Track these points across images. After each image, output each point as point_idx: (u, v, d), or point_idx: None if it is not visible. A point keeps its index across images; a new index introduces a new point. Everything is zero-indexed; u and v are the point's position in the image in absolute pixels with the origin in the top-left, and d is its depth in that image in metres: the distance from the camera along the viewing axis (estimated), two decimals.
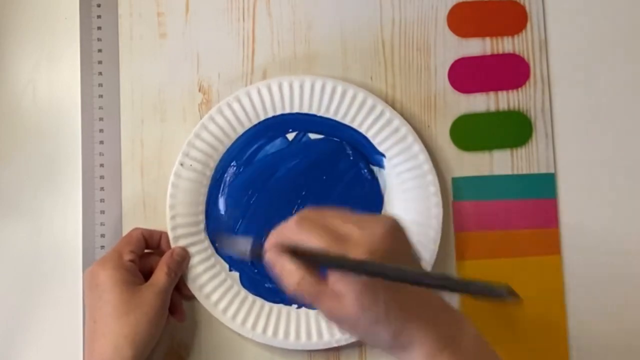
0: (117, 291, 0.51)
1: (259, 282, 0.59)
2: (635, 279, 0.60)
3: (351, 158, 0.59)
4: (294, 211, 0.59)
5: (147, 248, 0.57)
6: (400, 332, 0.42)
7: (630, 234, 0.60)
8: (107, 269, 0.52)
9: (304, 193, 0.59)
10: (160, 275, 0.54)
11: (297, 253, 0.43)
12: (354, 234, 0.42)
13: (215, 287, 0.57)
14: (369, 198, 0.59)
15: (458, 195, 0.60)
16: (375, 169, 0.59)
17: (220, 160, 0.59)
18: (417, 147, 0.58)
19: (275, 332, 0.57)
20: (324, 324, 0.57)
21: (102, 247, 0.59)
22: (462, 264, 0.59)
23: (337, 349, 0.58)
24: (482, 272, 0.59)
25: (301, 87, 0.58)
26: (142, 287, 0.53)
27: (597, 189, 0.61)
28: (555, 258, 0.60)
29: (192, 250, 0.57)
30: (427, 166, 0.58)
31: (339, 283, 0.42)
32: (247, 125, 0.59)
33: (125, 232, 0.59)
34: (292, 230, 0.44)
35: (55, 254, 0.60)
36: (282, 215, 0.58)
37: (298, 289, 0.43)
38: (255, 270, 0.59)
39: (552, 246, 0.60)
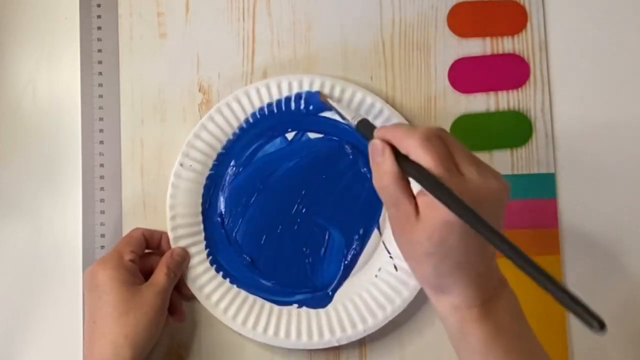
0: (116, 291, 0.51)
1: (259, 282, 0.59)
2: (635, 278, 0.60)
3: (351, 157, 0.59)
4: (294, 211, 0.59)
5: (147, 248, 0.57)
6: (444, 276, 0.43)
7: (630, 234, 0.60)
8: (107, 269, 0.52)
9: (303, 192, 0.59)
10: (160, 276, 0.54)
11: (405, 159, 0.43)
12: (471, 176, 0.42)
13: (216, 287, 0.57)
14: (369, 197, 0.59)
15: None
16: None
17: (220, 161, 0.59)
18: None
19: (276, 332, 0.57)
20: (325, 323, 0.57)
21: (102, 247, 0.59)
22: None
23: (337, 349, 0.58)
24: None
25: (300, 86, 0.58)
26: (142, 287, 0.53)
27: (597, 189, 0.61)
28: (555, 258, 0.60)
29: (192, 250, 0.57)
30: None
31: (425, 206, 0.42)
32: (246, 125, 0.59)
33: (125, 232, 0.59)
34: (416, 141, 0.43)
35: (55, 254, 0.60)
36: (282, 214, 0.58)
37: (385, 188, 0.44)
38: (256, 272, 0.59)
39: (552, 246, 0.60)
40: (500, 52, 0.61)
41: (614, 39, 0.62)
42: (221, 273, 0.58)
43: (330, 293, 0.58)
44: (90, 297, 0.53)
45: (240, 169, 0.59)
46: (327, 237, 0.59)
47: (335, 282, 0.58)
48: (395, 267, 0.57)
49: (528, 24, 0.61)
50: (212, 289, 0.57)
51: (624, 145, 0.61)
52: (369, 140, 0.47)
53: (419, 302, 0.58)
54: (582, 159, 0.61)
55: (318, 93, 0.58)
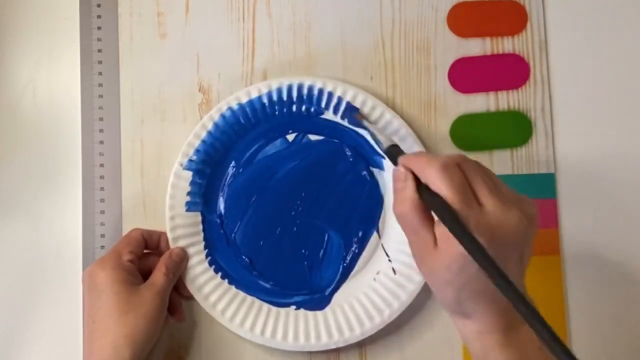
0: (115, 291, 0.52)
1: (257, 283, 0.59)
2: (635, 279, 0.60)
3: (351, 160, 0.59)
4: (293, 212, 0.59)
5: (146, 248, 0.57)
6: (465, 302, 0.43)
7: (630, 235, 0.60)
8: (106, 269, 0.52)
9: (303, 194, 0.59)
10: (158, 276, 0.54)
11: (426, 188, 0.43)
12: (490, 208, 0.41)
13: (214, 288, 0.57)
14: (369, 200, 0.59)
15: None
16: (375, 170, 0.59)
17: (220, 161, 0.59)
18: (417, 149, 0.58)
19: (273, 334, 0.57)
20: (322, 326, 0.57)
21: (102, 247, 0.59)
22: None
23: (337, 350, 0.58)
24: None
25: (301, 88, 0.58)
26: (140, 287, 0.53)
27: (597, 188, 0.61)
28: (555, 258, 0.60)
29: (191, 251, 0.57)
30: None
31: (442, 236, 0.42)
32: (247, 126, 0.59)
33: (125, 232, 0.59)
34: (435, 171, 0.42)
35: (55, 254, 0.60)
36: (282, 216, 0.58)
37: (404, 215, 0.43)
38: (254, 273, 0.59)
39: (552, 246, 0.60)
40: (500, 52, 0.61)
41: (614, 38, 0.62)
42: (220, 274, 0.58)
43: (328, 295, 0.58)
44: (90, 297, 0.53)
45: (240, 170, 0.59)
46: (326, 239, 0.59)
47: (334, 284, 0.59)
48: (394, 271, 0.57)
49: (528, 24, 0.61)
50: (210, 290, 0.57)
51: (624, 145, 0.61)
52: (392, 162, 0.48)
53: (419, 303, 0.58)
54: (582, 159, 0.61)
55: (356, 110, 0.58)
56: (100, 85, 0.61)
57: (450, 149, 0.60)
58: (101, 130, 0.60)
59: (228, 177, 0.59)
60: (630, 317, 0.60)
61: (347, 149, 0.59)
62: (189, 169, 0.58)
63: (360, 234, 0.59)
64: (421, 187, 0.43)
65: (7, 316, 0.60)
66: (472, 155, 0.59)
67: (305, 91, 0.58)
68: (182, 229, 0.57)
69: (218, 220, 0.59)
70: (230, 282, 0.58)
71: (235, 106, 0.58)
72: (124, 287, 0.52)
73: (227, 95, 0.59)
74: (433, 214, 0.43)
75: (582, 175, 0.61)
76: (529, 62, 0.61)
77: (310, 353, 0.58)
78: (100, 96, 0.61)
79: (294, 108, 0.59)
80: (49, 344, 0.59)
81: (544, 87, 0.61)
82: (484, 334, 0.43)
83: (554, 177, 0.60)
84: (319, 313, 0.58)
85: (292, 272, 0.59)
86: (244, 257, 0.59)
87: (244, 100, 0.58)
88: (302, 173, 0.59)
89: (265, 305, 0.58)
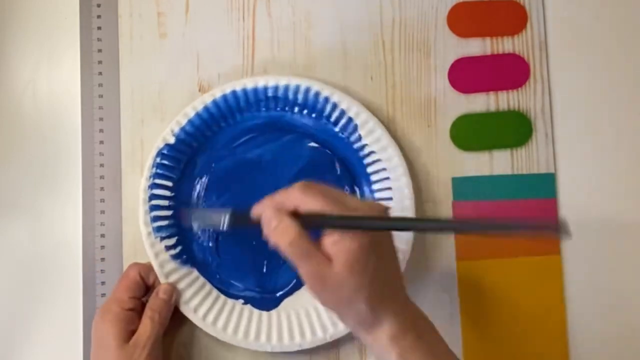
0: (113, 347, 0.52)
1: (214, 268, 0.58)
2: (635, 278, 0.60)
3: (338, 173, 0.59)
4: None
5: (145, 285, 0.57)
6: (376, 306, 0.45)
7: (630, 234, 0.60)
8: (106, 322, 0.53)
9: None
10: (145, 323, 0.54)
11: (296, 215, 0.45)
12: (355, 203, 0.45)
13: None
14: None
15: (458, 195, 0.60)
16: (358, 190, 0.59)
17: (200, 158, 0.59)
18: (405, 180, 0.57)
19: (224, 327, 0.56)
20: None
21: (102, 247, 0.59)
22: (462, 264, 0.59)
23: (336, 348, 0.58)
24: (482, 272, 0.59)
25: (286, 88, 0.58)
26: (131, 343, 0.53)
27: (597, 189, 0.61)
28: (555, 258, 0.60)
29: (162, 223, 0.57)
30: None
31: (333, 245, 0.44)
32: (229, 118, 0.59)
33: (125, 233, 0.59)
34: (295, 195, 0.45)
35: (55, 254, 0.60)
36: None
37: (291, 244, 0.44)
38: (216, 257, 0.59)
39: (552, 246, 0.60)
40: (500, 52, 0.61)
41: (614, 38, 0.62)
42: (185, 256, 0.58)
43: (278, 298, 0.58)
44: (94, 346, 0.54)
45: (221, 163, 0.59)
46: None
47: (287, 289, 0.58)
48: None
49: (528, 24, 0.61)
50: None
51: (624, 145, 0.61)
52: (247, 225, 0.48)
53: (420, 299, 0.58)
54: (582, 159, 0.61)
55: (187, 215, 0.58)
56: (100, 85, 0.61)
57: (450, 149, 0.60)
58: (101, 130, 0.60)
59: (209, 177, 0.59)
60: (631, 317, 0.60)
61: (337, 162, 0.59)
62: (168, 153, 0.58)
63: None
64: (294, 215, 0.45)
65: (7, 316, 0.60)
66: (472, 155, 0.60)
67: (290, 92, 0.58)
68: (157, 211, 0.58)
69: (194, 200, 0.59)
70: (192, 264, 0.58)
71: (219, 98, 0.58)
72: (121, 343, 0.52)
73: None
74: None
75: (582, 175, 0.61)
76: (529, 62, 0.61)
77: (311, 352, 0.58)
78: (100, 96, 0.61)
79: (287, 108, 0.59)
80: (48, 343, 0.59)
81: (544, 87, 0.61)
82: (398, 337, 0.45)
83: (554, 177, 0.60)
84: (264, 314, 0.58)
85: (249, 266, 0.59)
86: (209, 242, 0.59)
87: (228, 91, 0.58)
88: (287, 175, 0.59)
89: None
